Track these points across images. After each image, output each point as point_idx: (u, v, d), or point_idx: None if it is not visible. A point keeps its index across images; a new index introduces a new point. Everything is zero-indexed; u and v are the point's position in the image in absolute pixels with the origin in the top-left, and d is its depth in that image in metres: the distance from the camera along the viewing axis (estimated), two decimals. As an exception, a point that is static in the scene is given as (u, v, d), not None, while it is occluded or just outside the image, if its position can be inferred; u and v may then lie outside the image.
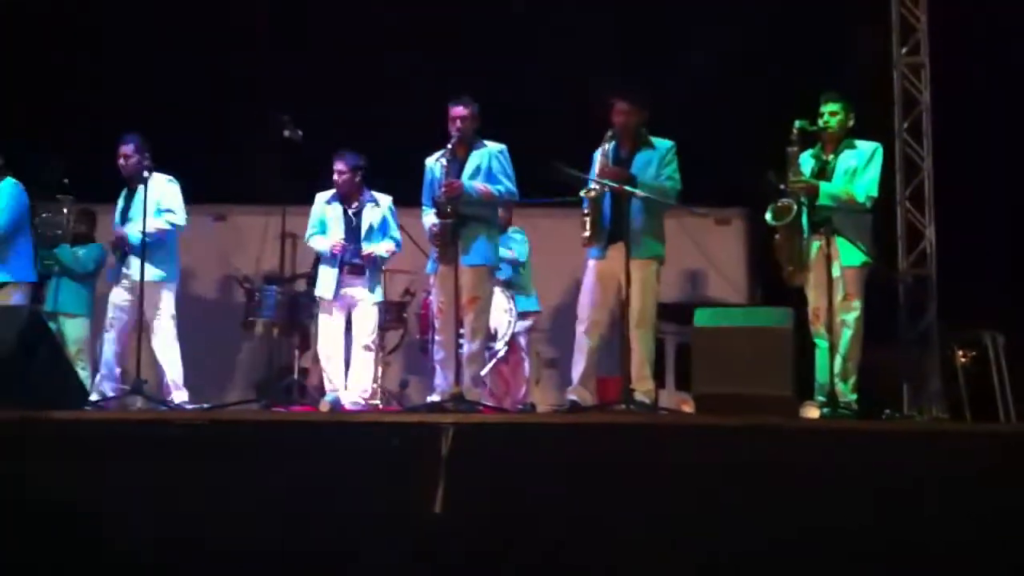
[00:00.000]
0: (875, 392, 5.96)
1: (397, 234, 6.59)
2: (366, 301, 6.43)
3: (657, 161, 5.57)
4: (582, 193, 5.50)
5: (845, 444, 4.16)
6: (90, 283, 7.01)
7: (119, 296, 6.31)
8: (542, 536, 3.95)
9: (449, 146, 5.65)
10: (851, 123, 5.67)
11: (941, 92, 7.36)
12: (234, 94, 7.96)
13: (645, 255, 5.45)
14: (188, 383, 6.32)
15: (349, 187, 6.47)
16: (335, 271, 6.36)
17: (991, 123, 7.12)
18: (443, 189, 5.56)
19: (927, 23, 7.41)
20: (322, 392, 6.55)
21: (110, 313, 6.32)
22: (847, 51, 7.38)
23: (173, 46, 7.86)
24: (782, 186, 5.52)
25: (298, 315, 7.01)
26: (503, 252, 6.54)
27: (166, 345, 6.26)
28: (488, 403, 6.01)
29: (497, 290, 6.32)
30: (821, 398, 5.37)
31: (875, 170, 5.60)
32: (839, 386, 5.34)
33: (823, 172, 5.64)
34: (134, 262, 6.13)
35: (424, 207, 5.87)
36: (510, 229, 7.09)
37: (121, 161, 6.30)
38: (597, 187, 5.45)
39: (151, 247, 6.05)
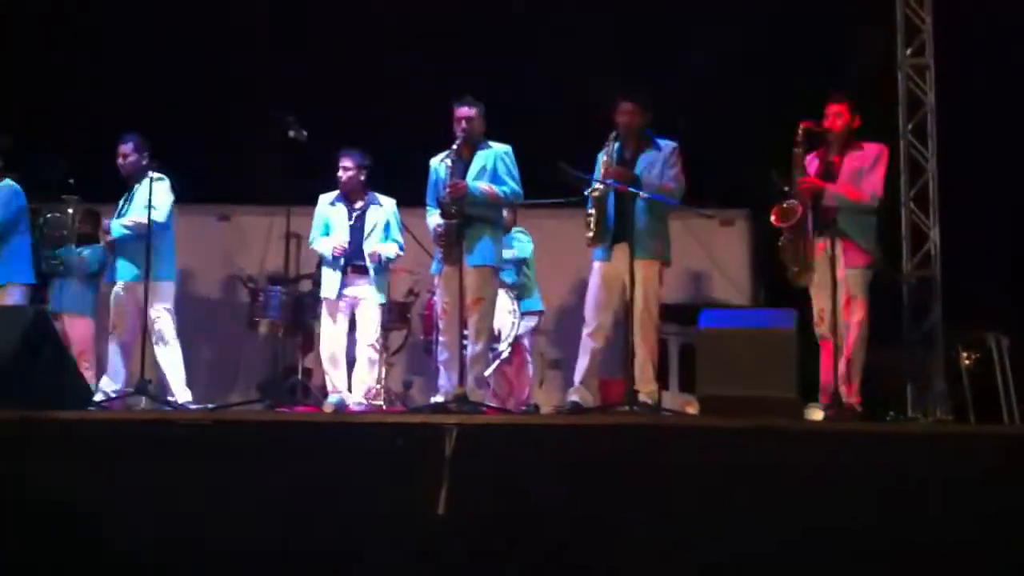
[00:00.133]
0: (879, 393, 5.97)
1: (400, 238, 6.59)
2: (370, 301, 6.43)
3: (661, 162, 5.56)
4: (586, 193, 5.50)
5: (849, 445, 4.14)
6: (94, 283, 7.03)
7: (114, 295, 6.30)
8: (545, 537, 3.95)
9: (454, 146, 5.64)
10: (856, 124, 5.67)
11: (946, 93, 7.33)
12: (235, 94, 7.98)
13: (649, 256, 5.44)
14: (192, 383, 6.32)
15: (353, 184, 6.47)
16: (338, 272, 6.36)
17: (996, 125, 7.10)
18: (448, 190, 5.55)
19: (932, 24, 7.39)
20: (325, 393, 6.55)
21: (111, 313, 6.32)
22: (850, 51, 7.37)
23: (173, 46, 7.88)
24: (787, 188, 5.52)
25: (302, 315, 7.00)
26: (504, 252, 6.53)
27: (161, 345, 6.22)
28: (492, 404, 6.01)
29: (501, 291, 6.30)
30: (825, 400, 5.36)
31: (881, 171, 5.59)
32: (843, 388, 5.32)
33: (829, 173, 5.63)
34: (119, 260, 6.20)
35: (428, 207, 5.85)
36: (514, 230, 7.09)
37: (120, 160, 6.31)
38: (601, 187, 5.45)
39: (128, 242, 6.09)
